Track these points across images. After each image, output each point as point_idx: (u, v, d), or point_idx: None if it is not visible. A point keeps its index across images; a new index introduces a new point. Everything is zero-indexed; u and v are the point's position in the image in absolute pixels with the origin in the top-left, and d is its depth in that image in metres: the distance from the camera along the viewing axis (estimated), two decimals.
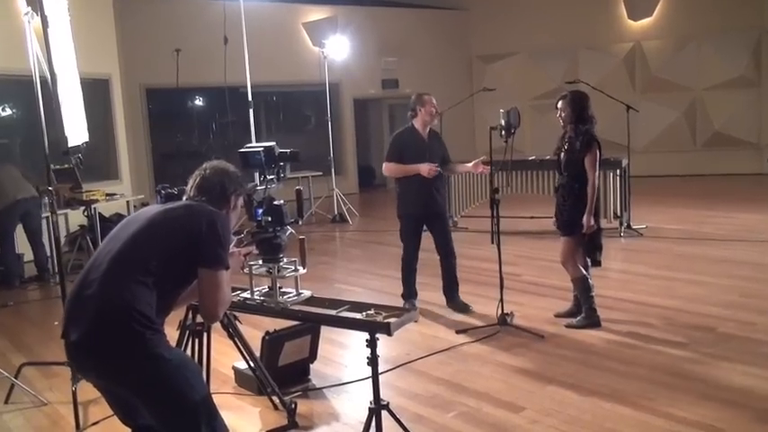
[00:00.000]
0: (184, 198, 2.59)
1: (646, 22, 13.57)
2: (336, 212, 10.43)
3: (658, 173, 12.82)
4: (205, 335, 3.03)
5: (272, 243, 2.84)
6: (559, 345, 4.40)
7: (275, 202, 2.87)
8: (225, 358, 4.16)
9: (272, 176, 2.92)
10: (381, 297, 5.90)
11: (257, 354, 3.81)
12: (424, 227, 5.37)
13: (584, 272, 4.73)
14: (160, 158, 11.96)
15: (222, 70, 8.98)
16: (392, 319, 2.53)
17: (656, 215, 8.92)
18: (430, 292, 5.58)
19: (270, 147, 2.91)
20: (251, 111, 7.49)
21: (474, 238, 8.39)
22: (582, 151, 4.59)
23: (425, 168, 5.06)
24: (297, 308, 2.78)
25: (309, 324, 3.82)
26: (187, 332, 3.05)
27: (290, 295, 2.88)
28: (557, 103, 4.80)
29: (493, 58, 14.61)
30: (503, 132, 4.60)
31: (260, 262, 2.90)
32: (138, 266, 2.26)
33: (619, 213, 8.00)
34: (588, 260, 4.89)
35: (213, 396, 3.90)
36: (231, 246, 2.81)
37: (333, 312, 2.68)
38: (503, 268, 4.81)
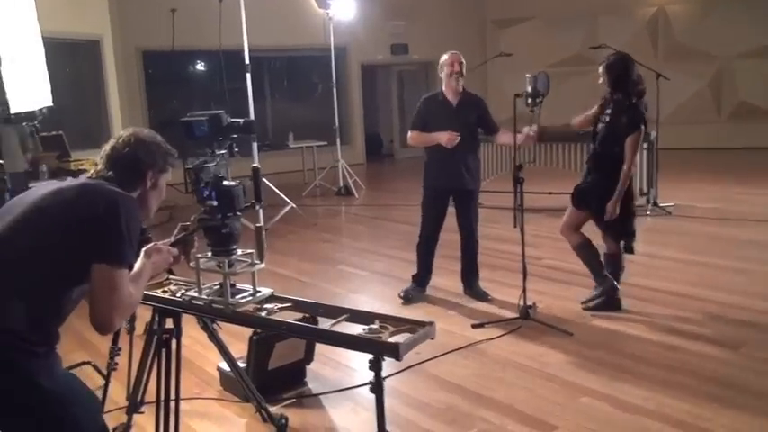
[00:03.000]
0: (91, 172, 2.03)
1: None
2: (342, 185, 9.87)
3: (679, 146, 12.13)
4: (175, 342, 2.50)
5: (220, 233, 2.29)
6: (590, 344, 3.85)
7: (225, 183, 2.30)
8: (211, 354, 3.64)
9: (222, 151, 2.36)
10: (388, 281, 5.39)
11: (245, 357, 3.32)
12: (451, 203, 4.81)
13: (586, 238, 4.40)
14: (158, 126, 11.39)
15: (218, 33, 8.36)
16: (402, 336, 2.00)
17: (682, 192, 8.32)
18: (444, 278, 5.05)
19: (216, 115, 2.33)
20: (248, 75, 6.88)
21: (491, 215, 7.80)
22: (626, 129, 4.08)
23: (444, 137, 4.52)
24: (279, 318, 2.22)
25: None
26: (155, 339, 2.52)
27: (245, 294, 2.34)
28: (598, 68, 4.28)
29: (508, 22, 13.86)
30: (528, 100, 4.03)
31: (209, 254, 2.35)
32: (10, 270, 1.75)
33: (645, 190, 7.42)
34: (621, 246, 4.40)
35: (194, 402, 3.46)
36: (175, 236, 2.27)
37: (327, 326, 2.14)
38: (520, 250, 4.27)
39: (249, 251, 2.39)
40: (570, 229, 4.44)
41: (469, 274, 4.85)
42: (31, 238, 1.79)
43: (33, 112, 3.06)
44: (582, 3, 12.95)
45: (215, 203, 2.28)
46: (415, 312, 4.60)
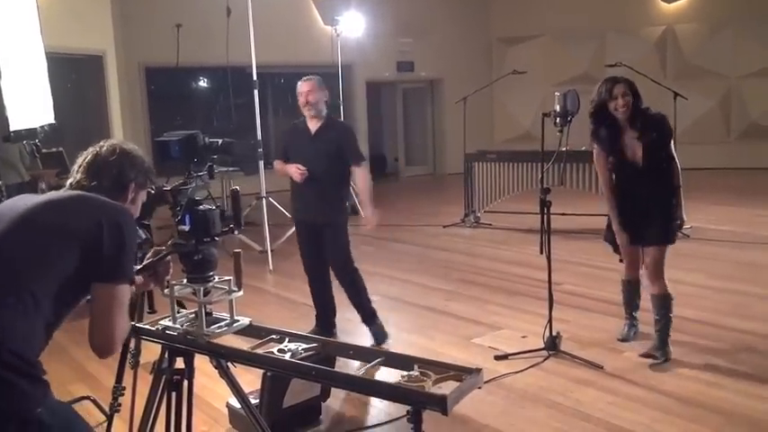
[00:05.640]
0: (68, 183, 1.90)
1: (680, 3, 12.66)
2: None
3: (688, 166, 11.90)
4: (186, 384, 2.26)
5: (192, 259, 2.13)
6: (623, 379, 3.61)
7: (201, 207, 2.15)
8: (220, 387, 3.39)
9: (201, 173, 2.21)
10: (402, 307, 5.16)
11: (257, 391, 3.08)
12: None
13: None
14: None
15: (225, 48, 8.20)
16: (448, 386, 1.76)
17: (699, 214, 8.08)
18: (462, 304, 4.82)
19: (190, 136, 2.19)
20: (256, 92, 6.67)
21: (499, 236, 7.61)
22: (668, 137, 3.97)
23: (292, 170, 4.27)
24: (299, 360, 1.99)
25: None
26: (163, 379, 2.28)
27: (221, 324, 2.17)
28: (611, 87, 3.91)
29: (515, 40, 13.71)
30: (557, 120, 3.81)
31: (184, 281, 2.20)
32: (7, 286, 1.57)
33: None
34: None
35: None
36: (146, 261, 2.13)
37: (358, 370, 1.90)
38: (537, 275, 4.05)
39: (227, 278, 2.23)
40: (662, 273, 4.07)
41: (363, 315, 4.47)
42: (22, 256, 1.61)
43: (35, 129, 2.84)
44: (589, 21, 12.82)
45: (186, 228, 2.14)
46: (429, 342, 4.38)
